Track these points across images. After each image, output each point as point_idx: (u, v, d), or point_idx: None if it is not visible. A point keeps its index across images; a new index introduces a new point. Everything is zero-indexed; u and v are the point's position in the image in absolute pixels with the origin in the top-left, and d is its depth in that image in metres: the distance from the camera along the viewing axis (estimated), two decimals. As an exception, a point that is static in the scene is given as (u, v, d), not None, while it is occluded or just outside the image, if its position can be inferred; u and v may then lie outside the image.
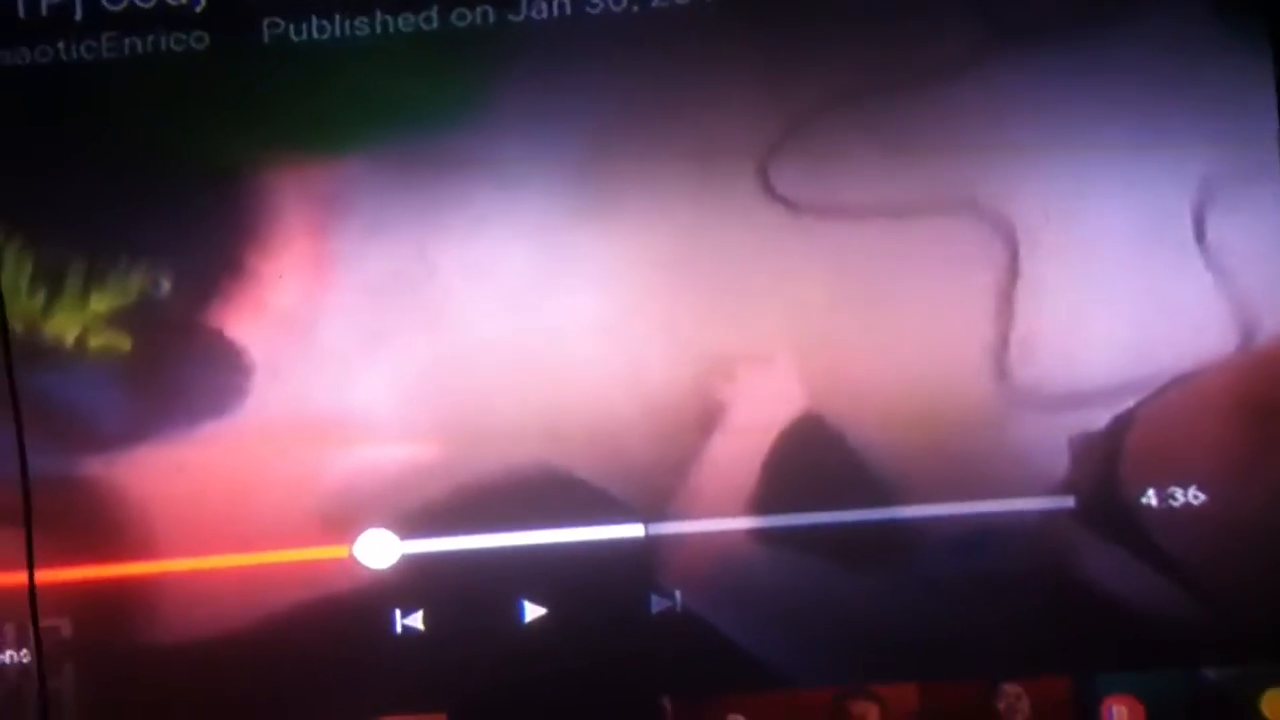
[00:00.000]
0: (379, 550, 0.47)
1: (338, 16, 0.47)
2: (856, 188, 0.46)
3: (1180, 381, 0.45)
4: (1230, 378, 0.45)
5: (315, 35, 0.47)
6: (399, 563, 0.47)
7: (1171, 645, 0.46)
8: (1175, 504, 0.46)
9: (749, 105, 0.46)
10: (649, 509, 0.47)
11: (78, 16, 0.48)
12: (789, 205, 0.46)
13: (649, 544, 0.47)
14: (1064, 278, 0.46)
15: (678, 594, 0.47)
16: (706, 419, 0.46)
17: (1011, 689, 0.46)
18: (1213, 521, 0.45)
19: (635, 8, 0.47)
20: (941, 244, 0.46)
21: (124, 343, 0.47)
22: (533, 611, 0.47)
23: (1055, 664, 0.46)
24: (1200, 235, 0.45)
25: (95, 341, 0.47)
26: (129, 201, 0.47)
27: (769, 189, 0.46)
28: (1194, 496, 0.45)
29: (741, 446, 0.46)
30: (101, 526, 0.47)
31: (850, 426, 0.46)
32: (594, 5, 0.47)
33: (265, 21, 0.48)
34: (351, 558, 0.47)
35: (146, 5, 0.48)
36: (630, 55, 0.47)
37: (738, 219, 0.46)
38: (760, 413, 0.46)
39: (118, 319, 0.47)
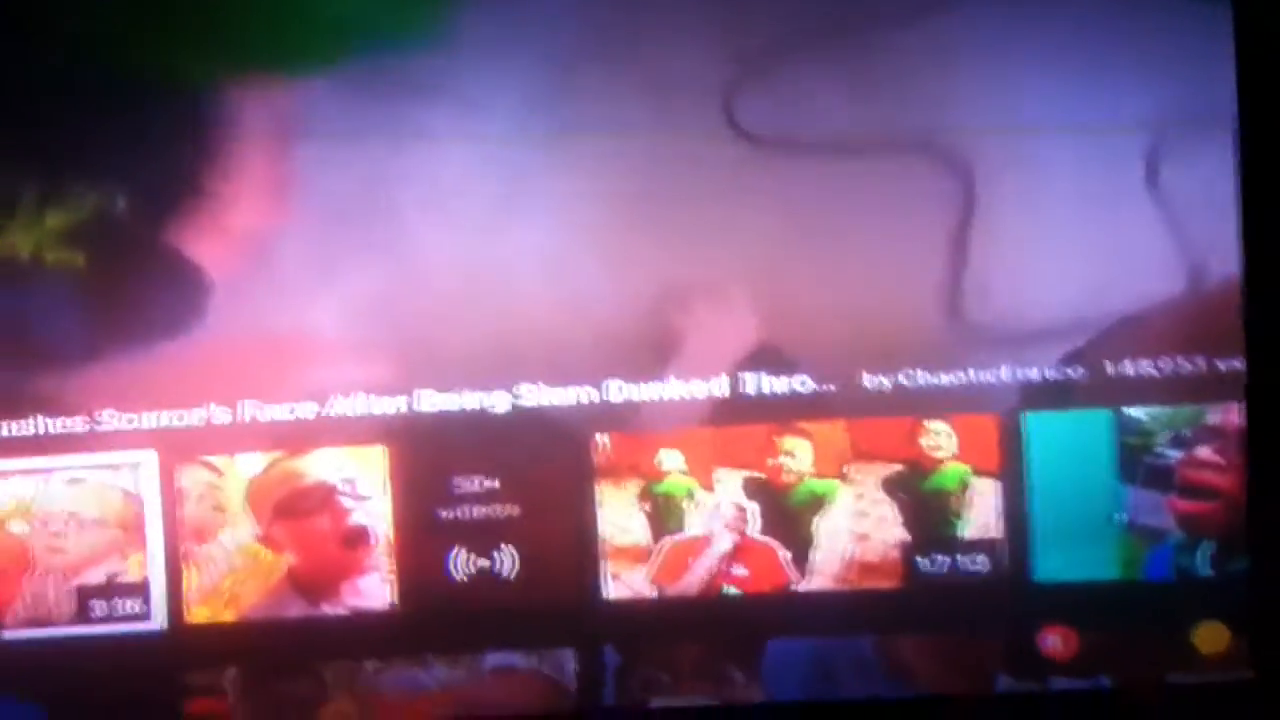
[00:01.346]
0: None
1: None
2: (817, 125, 0.46)
3: (1129, 321, 0.46)
4: (1177, 319, 0.46)
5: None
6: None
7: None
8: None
9: (712, 39, 0.46)
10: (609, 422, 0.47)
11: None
12: (749, 139, 0.46)
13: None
14: (1018, 219, 0.46)
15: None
16: (662, 348, 0.47)
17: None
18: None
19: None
20: (899, 183, 0.46)
21: (79, 259, 0.47)
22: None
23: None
24: (1152, 180, 0.46)
25: (50, 257, 0.47)
26: (86, 118, 0.47)
27: (730, 123, 0.46)
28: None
29: (700, 367, 0.47)
30: (54, 442, 0.47)
31: (804, 360, 0.47)
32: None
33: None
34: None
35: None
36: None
37: (698, 151, 0.46)
38: (716, 344, 0.47)
39: (73, 235, 0.47)
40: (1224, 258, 0.46)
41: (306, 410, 0.47)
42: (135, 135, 0.47)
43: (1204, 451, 0.46)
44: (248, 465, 0.47)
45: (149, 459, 0.47)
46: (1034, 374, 0.46)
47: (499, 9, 0.47)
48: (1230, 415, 0.46)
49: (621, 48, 0.47)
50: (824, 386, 0.47)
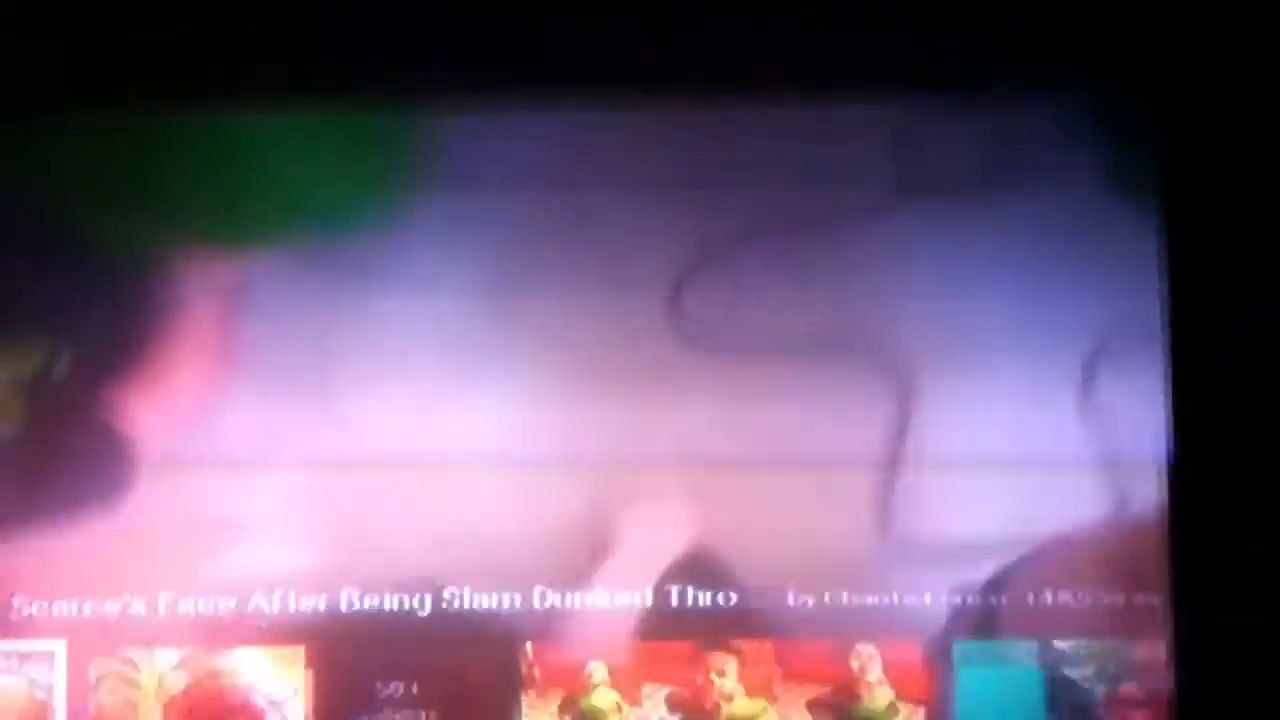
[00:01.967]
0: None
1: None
2: (763, 321, 0.47)
3: (1056, 541, 0.46)
4: (1103, 540, 0.46)
5: (236, 123, 0.47)
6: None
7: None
8: (1050, 662, 0.46)
9: (664, 229, 0.47)
10: (534, 633, 0.46)
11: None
12: (695, 331, 0.47)
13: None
14: (953, 428, 0.47)
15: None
16: (598, 544, 0.46)
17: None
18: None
19: (558, 119, 0.47)
20: (840, 384, 0.47)
21: (12, 419, 0.46)
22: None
23: None
24: (1084, 397, 0.46)
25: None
26: (30, 275, 0.46)
27: (677, 313, 0.47)
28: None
29: (630, 575, 0.46)
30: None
31: (738, 563, 0.46)
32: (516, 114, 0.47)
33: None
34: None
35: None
36: (550, 168, 0.47)
37: (644, 341, 0.47)
38: (651, 543, 0.46)
39: (9, 394, 0.46)
40: (1151, 484, 0.46)
41: (226, 605, 0.46)
42: (79, 296, 0.46)
43: (1128, 688, 0.46)
44: (161, 661, 0.46)
45: (59, 650, 0.46)
46: (962, 600, 0.46)
47: (452, 193, 0.47)
48: (1155, 651, 0.46)
49: (573, 233, 0.47)
50: (751, 603, 0.47)
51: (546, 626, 0.46)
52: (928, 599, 0.46)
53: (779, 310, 0.47)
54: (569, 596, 0.46)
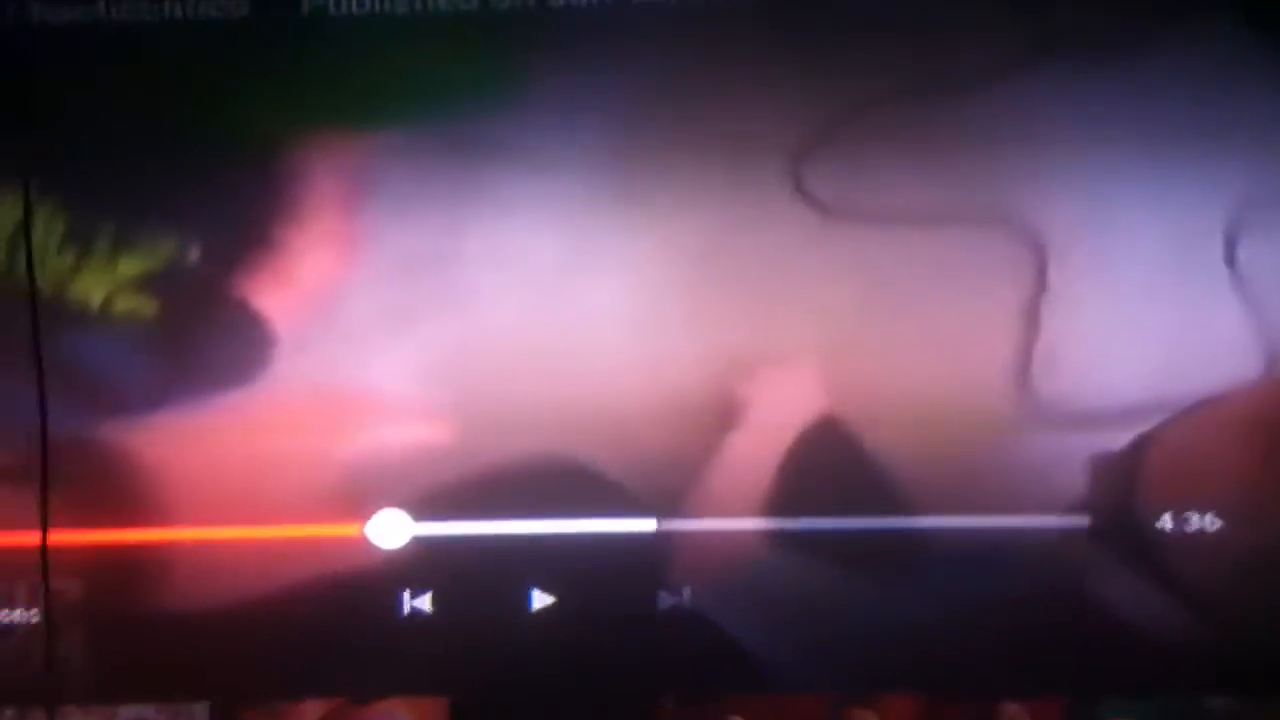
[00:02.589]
0: (391, 530, 0.47)
1: (379, -8, 0.47)
2: (888, 193, 0.46)
3: (1203, 405, 0.45)
4: (1252, 404, 0.45)
5: (354, 10, 0.47)
6: (410, 544, 0.47)
7: (1178, 671, 0.46)
8: (1190, 529, 0.45)
9: (785, 104, 0.46)
10: (662, 504, 0.47)
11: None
12: (820, 207, 0.46)
13: (660, 539, 0.47)
14: (1092, 294, 0.45)
15: (686, 591, 0.47)
16: (725, 416, 0.46)
17: (1010, 709, 0.46)
18: (1226, 548, 0.45)
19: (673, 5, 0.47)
20: (970, 254, 0.46)
21: (150, 307, 0.47)
22: (541, 600, 0.47)
23: (1058, 684, 0.46)
24: (1230, 259, 0.45)
25: (121, 305, 0.47)
26: (163, 168, 0.47)
27: (800, 189, 0.46)
28: (1210, 522, 0.45)
29: (758, 446, 0.46)
30: (117, 490, 0.47)
31: (868, 432, 0.46)
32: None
33: (307, -7, 0.47)
34: (363, 537, 0.47)
35: (192, -30, 0.47)
36: (668, 47, 0.46)
37: (767, 218, 0.46)
38: (779, 413, 0.46)
39: (145, 284, 0.47)
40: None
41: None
42: (210, 187, 0.47)
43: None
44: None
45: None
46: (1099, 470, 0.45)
47: (573, 71, 0.46)
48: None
49: (694, 111, 0.46)
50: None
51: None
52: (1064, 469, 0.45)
53: (904, 182, 0.46)
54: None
